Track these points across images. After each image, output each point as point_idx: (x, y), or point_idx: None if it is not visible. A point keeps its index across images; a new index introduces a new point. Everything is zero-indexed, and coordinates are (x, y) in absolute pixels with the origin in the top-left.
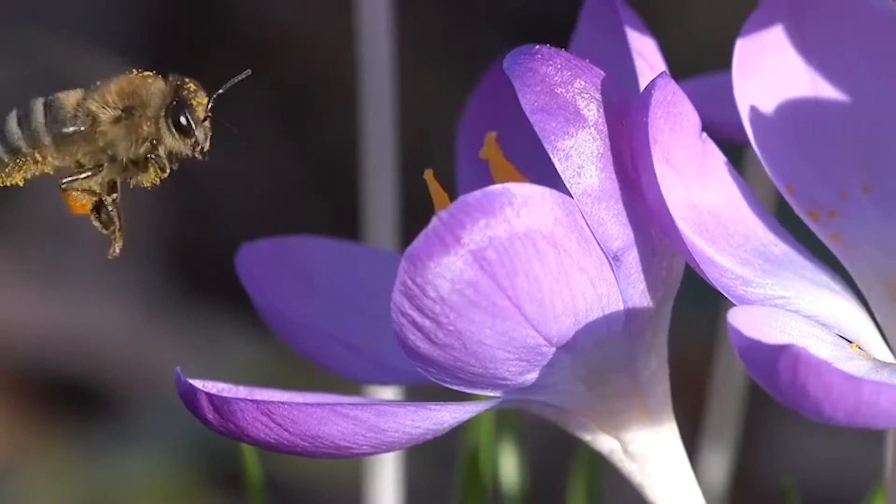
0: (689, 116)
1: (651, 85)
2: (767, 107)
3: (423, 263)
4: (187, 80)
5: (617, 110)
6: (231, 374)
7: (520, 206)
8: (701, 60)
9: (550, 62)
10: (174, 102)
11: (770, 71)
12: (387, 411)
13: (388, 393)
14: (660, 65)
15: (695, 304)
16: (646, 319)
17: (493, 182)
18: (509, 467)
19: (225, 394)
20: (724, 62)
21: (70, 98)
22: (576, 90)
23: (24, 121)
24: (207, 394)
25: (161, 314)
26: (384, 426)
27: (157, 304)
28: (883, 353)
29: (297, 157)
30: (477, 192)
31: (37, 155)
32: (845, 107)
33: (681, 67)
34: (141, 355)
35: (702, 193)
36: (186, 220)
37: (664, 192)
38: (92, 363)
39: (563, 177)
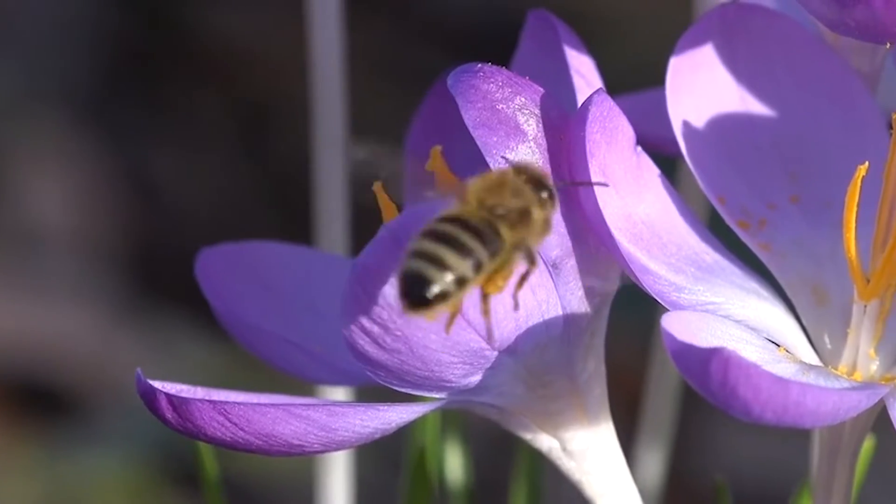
0: (625, 131)
1: (588, 101)
2: (699, 122)
3: (372, 272)
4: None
5: (556, 125)
6: (189, 375)
7: None
8: (636, 78)
9: (492, 79)
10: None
11: (702, 88)
12: (337, 412)
13: (340, 394)
14: (597, 82)
15: (630, 310)
16: (584, 324)
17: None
18: (454, 465)
19: (183, 394)
20: (658, 79)
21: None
22: (516, 106)
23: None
24: (167, 394)
25: (123, 319)
26: (335, 426)
27: (120, 310)
28: (809, 356)
29: (252, 168)
30: (423, 204)
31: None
32: (773, 122)
33: (617, 84)
34: (103, 358)
35: (637, 204)
36: (146, 230)
37: (601, 204)
38: (56, 366)
39: None
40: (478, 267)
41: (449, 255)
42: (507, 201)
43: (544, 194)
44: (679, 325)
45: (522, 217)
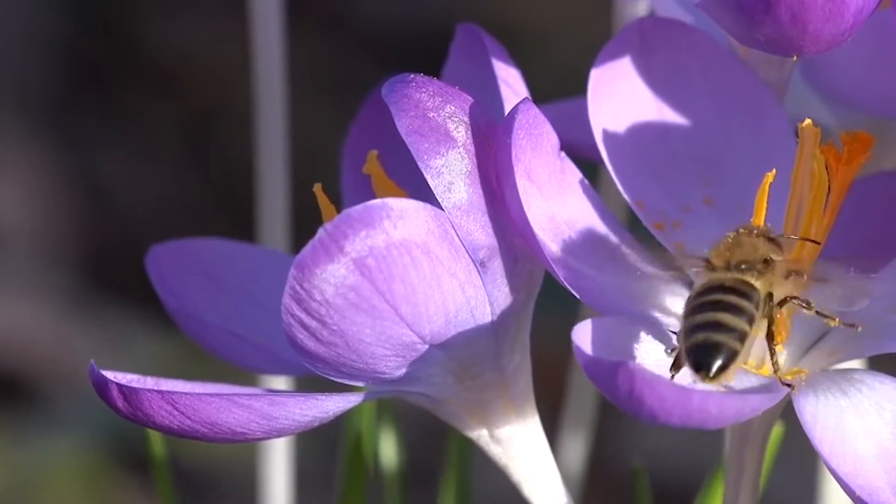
0: (549, 137)
1: (514, 109)
2: (619, 129)
3: (310, 270)
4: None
5: (484, 132)
6: (140, 366)
7: (397, 218)
8: (560, 87)
9: (424, 89)
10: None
11: (621, 97)
12: (278, 401)
13: (281, 383)
14: (523, 91)
15: (553, 306)
16: (510, 319)
17: (374, 196)
18: (388, 450)
19: (134, 384)
20: (580, 89)
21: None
22: (446, 114)
23: None
24: (118, 384)
25: (78, 313)
26: (276, 414)
27: (74, 304)
28: None
29: (198, 171)
30: (359, 206)
31: None
32: (688, 129)
33: (542, 94)
34: (59, 350)
35: (560, 207)
36: (100, 229)
37: (526, 206)
38: (13, 358)
39: (435, 192)
40: (751, 321)
41: (726, 318)
42: (749, 253)
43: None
44: (588, 337)
45: (767, 265)
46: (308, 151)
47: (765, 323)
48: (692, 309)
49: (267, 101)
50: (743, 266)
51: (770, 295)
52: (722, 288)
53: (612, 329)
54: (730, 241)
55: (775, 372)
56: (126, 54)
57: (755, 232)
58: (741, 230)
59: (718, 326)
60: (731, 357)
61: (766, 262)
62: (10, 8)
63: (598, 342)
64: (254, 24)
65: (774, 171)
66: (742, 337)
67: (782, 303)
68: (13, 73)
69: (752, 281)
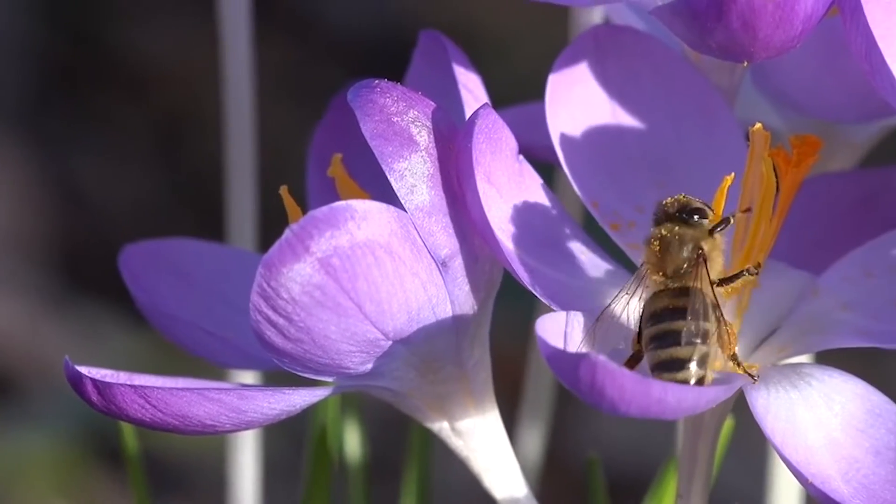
0: (508, 141)
1: (475, 114)
2: (575, 133)
3: (277, 269)
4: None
5: (445, 136)
6: (113, 361)
7: (361, 219)
8: (518, 92)
9: (388, 94)
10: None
11: (577, 102)
12: (247, 395)
13: (249, 378)
14: (483, 97)
15: (512, 303)
16: (470, 316)
17: (339, 198)
18: (352, 443)
19: (107, 379)
20: (538, 94)
21: None
22: (410, 119)
23: None
24: (92, 379)
25: (53, 310)
26: (244, 407)
27: (50, 302)
28: None
29: (169, 173)
30: (324, 207)
31: None
32: (642, 132)
33: (501, 98)
34: (34, 346)
35: (518, 208)
36: (74, 229)
37: (486, 207)
38: None
39: (398, 194)
40: (706, 319)
41: (682, 325)
42: (680, 259)
43: (695, 218)
44: (552, 329)
45: (700, 257)
46: (275, 154)
47: (716, 317)
48: (649, 316)
49: (235, 105)
50: (681, 271)
51: (712, 285)
52: (670, 296)
53: (572, 323)
54: (657, 248)
55: (737, 364)
56: (99, 60)
57: (675, 213)
58: (662, 231)
59: (678, 338)
60: (703, 362)
61: (698, 255)
62: None
63: (559, 335)
64: (222, 30)
65: (733, 174)
66: (705, 338)
67: (729, 280)
68: None
69: (692, 283)
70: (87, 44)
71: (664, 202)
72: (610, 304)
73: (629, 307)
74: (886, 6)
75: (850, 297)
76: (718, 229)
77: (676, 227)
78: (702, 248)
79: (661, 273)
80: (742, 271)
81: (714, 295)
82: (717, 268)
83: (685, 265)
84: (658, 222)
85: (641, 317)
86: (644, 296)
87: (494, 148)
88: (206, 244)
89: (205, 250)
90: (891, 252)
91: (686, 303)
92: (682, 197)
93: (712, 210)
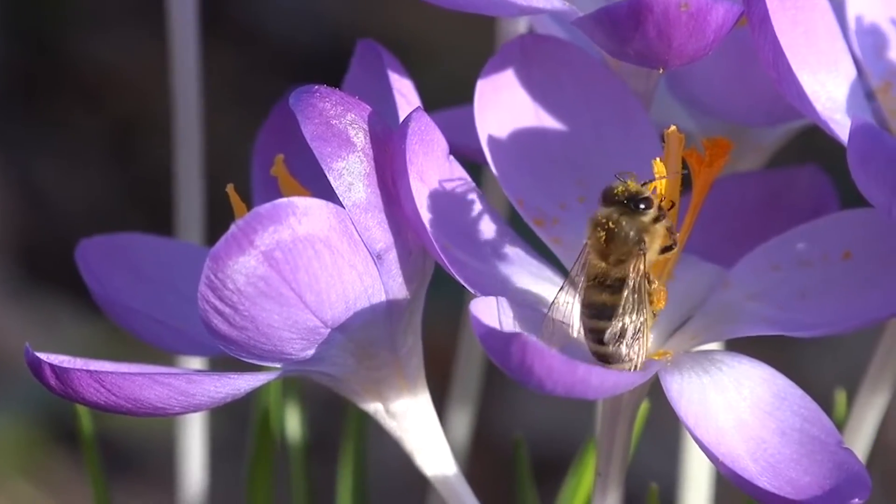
0: (439, 142)
1: (408, 117)
2: (502, 135)
3: (224, 262)
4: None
5: (381, 138)
6: (70, 348)
7: (302, 215)
8: (449, 97)
9: (327, 99)
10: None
11: (504, 106)
12: (195, 379)
13: (197, 363)
14: (416, 100)
15: (443, 293)
16: (404, 305)
17: (281, 196)
18: (293, 425)
19: (65, 364)
20: (468, 98)
21: None
22: (347, 122)
23: None
24: (51, 364)
25: (12, 301)
26: (192, 391)
27: (10, 293)
28: None
29: (122, 174)
30: (267, 204)
31: None
32: (564, 134)
33: (433, 102)
34: None
35: (449, 205)
36: (33, 226)
37: (418, 204)
38: None
39: (336, 192)
40: (639, 306)
41: (616, 324)
42: (624, 249)
43: (640, 206)
44: (485, 310)
45: (641, 244)
46: (221, 156)
47: (647, 310)
48: (586, 306)
49: (184, 111)
50: (622, 259)
51: (647, 277)
52: (607, 291)
53: (503, 307)
54: (603, 237)
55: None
56: (57, 69)
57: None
58: (609, 220)
59: (609, 335)
60: (618, 341)
61: (640, 247)
62: None
63: (492, 316)
64: (172, 41)
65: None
66: (636, 331)
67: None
68: None
69: (630, 270)
70: (47, 53)
71: (614, 188)
72: (558, 294)
73: (573, 298)
74: (792, 17)
75: (757, 288)
76: (661, 220)
77: (623, 218)
78: (644, 241)
79: (603, 258)
80: (670, 245)
81: (648, 288)
82: (651, 256)
83: (626, 256)
84: (607, 206)
85: (581, 303)
86: (583, 283)
87: (427, 149)
88: (158, 239)
89: (156, 244)
90: (795, 246)
91: (619, 299)
92: (631, 184)
93: (655, 200)
